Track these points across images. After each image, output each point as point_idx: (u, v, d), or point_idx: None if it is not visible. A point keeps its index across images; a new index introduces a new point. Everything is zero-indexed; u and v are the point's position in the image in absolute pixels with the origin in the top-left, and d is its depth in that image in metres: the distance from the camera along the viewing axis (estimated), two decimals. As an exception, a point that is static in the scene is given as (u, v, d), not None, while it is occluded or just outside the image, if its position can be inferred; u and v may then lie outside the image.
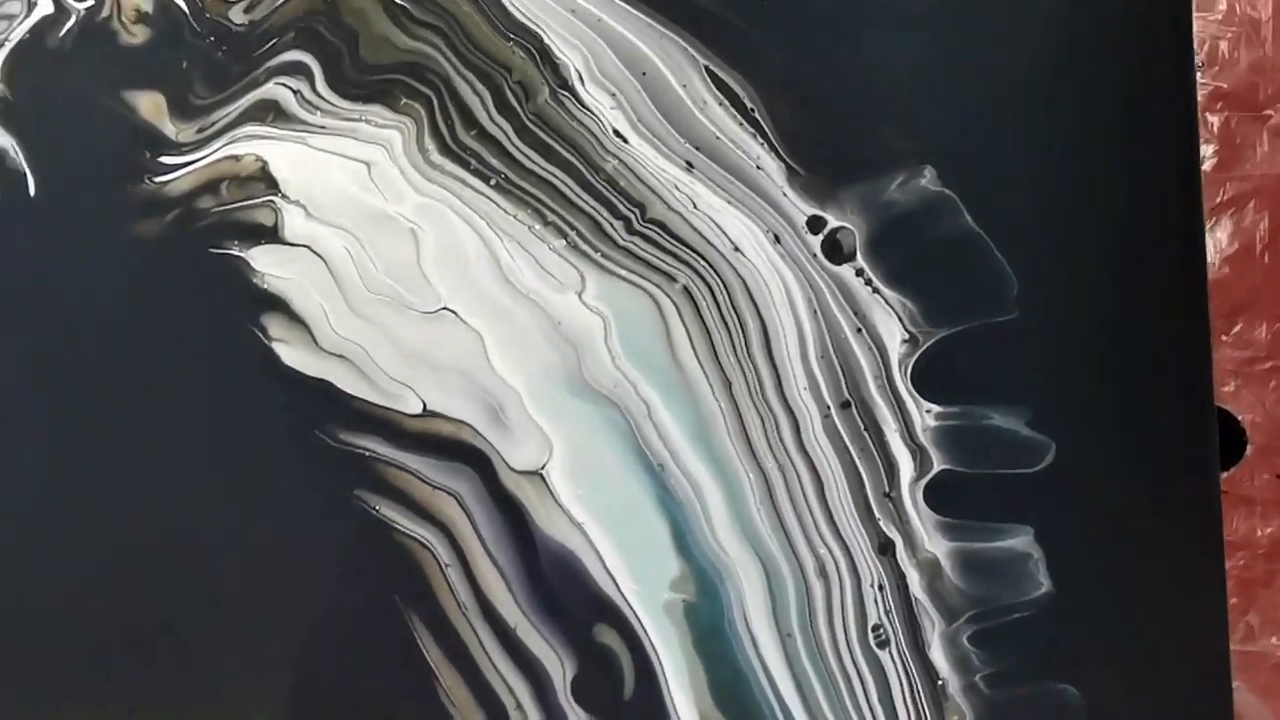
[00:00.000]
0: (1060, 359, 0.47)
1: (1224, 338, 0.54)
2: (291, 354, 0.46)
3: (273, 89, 0.48)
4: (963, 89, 0.48)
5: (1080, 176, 0.47)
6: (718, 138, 0.47)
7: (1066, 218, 0.47)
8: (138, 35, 0.49)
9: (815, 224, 0.47)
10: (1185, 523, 0.47)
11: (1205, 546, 0.47)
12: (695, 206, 0.47)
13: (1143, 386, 0.47)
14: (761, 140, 0.47)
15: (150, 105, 0.48)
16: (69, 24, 0.49)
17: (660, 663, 0.45)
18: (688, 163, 0.47)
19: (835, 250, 0.47)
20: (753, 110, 0.47)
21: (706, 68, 0.47)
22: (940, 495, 0.46)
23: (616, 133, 0.47)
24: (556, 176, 0.47)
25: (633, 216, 0.47)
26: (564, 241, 0.47)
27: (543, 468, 0.45)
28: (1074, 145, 0.47)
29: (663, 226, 0.47)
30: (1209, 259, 0.53)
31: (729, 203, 0.47)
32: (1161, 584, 0.47)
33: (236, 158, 0.48)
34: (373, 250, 0.47)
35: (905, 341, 0.46)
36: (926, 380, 0.47)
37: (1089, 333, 0.47)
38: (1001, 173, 0.48)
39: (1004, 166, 0.48)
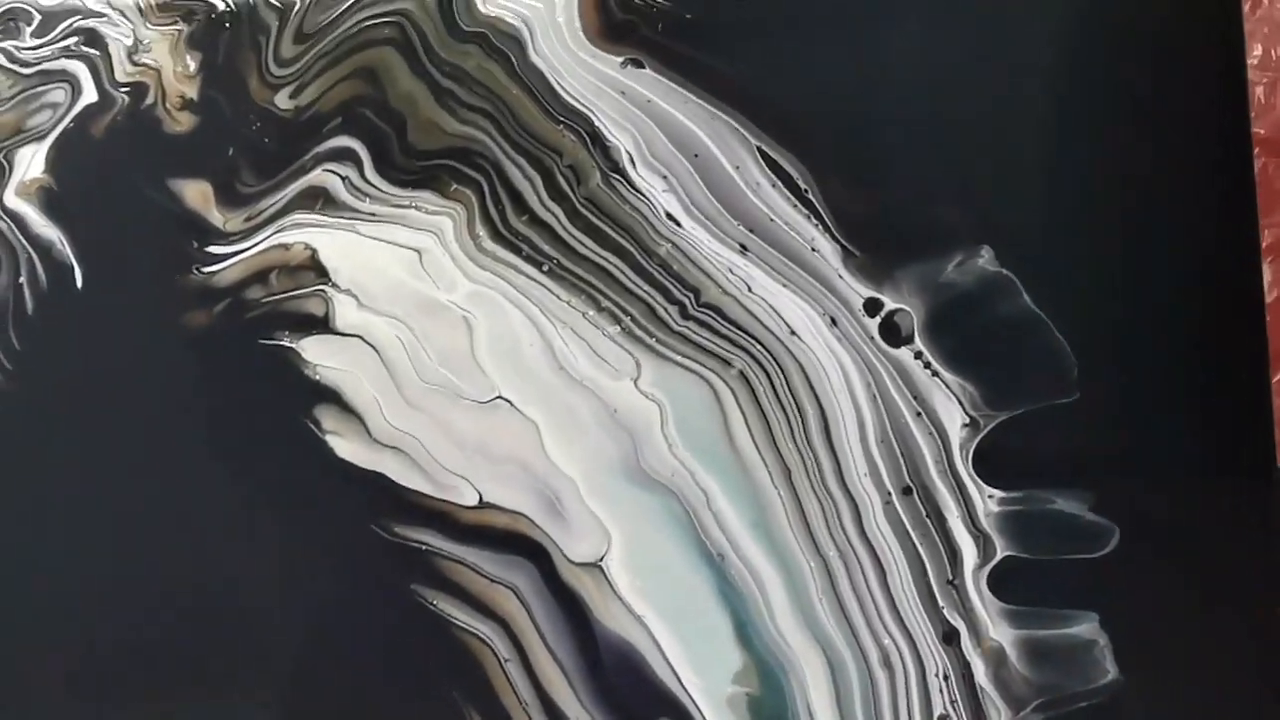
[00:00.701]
0: (1123, 441, 0.46)
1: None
2: (345, 446, 0.45)
3: (321, 176, 0.47)
4: (1019, 168, 0.47)
5: (1139, 255, 0.46)
6: (772, 220, 0.46)
7: (1127, 297, 0.46)
8: (183, 123, 0.48)
9: (872, 306, 0.46)
10: (1251, 608, 0.46)
11: (1274, 632, 0.46)
12: (750, 290, 0.46)
13: (1207, 470, 0.46)
14: (816, 222, 0.46)
15: (197, 194, 0.47)
16: (114, 112, 0.48)
17: (722, 755, 0.44)
18: (742, 245, 0.46)
19: (893, 332, 0.46)
20: (806, 191, 0.46)
21: (759, 148, 0.47)
22: (1004, 582, 0.45)
23: (669, 216, 0.46)
24: (610, 261, 0.46)
25: (687, 301, 0.46)
26: (618, 327, 0.46)
27: (601, 559, 0.44)
28: (1132, 224, 0.46)
29: (718, 311, 0.46)
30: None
31: (784, 286, 0.46)
32: (1229, 671, 0.46)
33: (286, 246, 0.47)
34: (425, 339, 0.46)
35: (966, 425, 0.45)
36: (988, 464, 0.45)
37: (1151, 414, 0.46)
38: (1060, 251, 0.46)
39: (1062, 245, 0.46)
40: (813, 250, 0.47)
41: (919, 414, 0.46)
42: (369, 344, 0.47)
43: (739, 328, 0.47)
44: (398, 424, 0.46)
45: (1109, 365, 0.47)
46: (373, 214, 0.47)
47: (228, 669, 0.46)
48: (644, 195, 0.47)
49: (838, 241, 0.47)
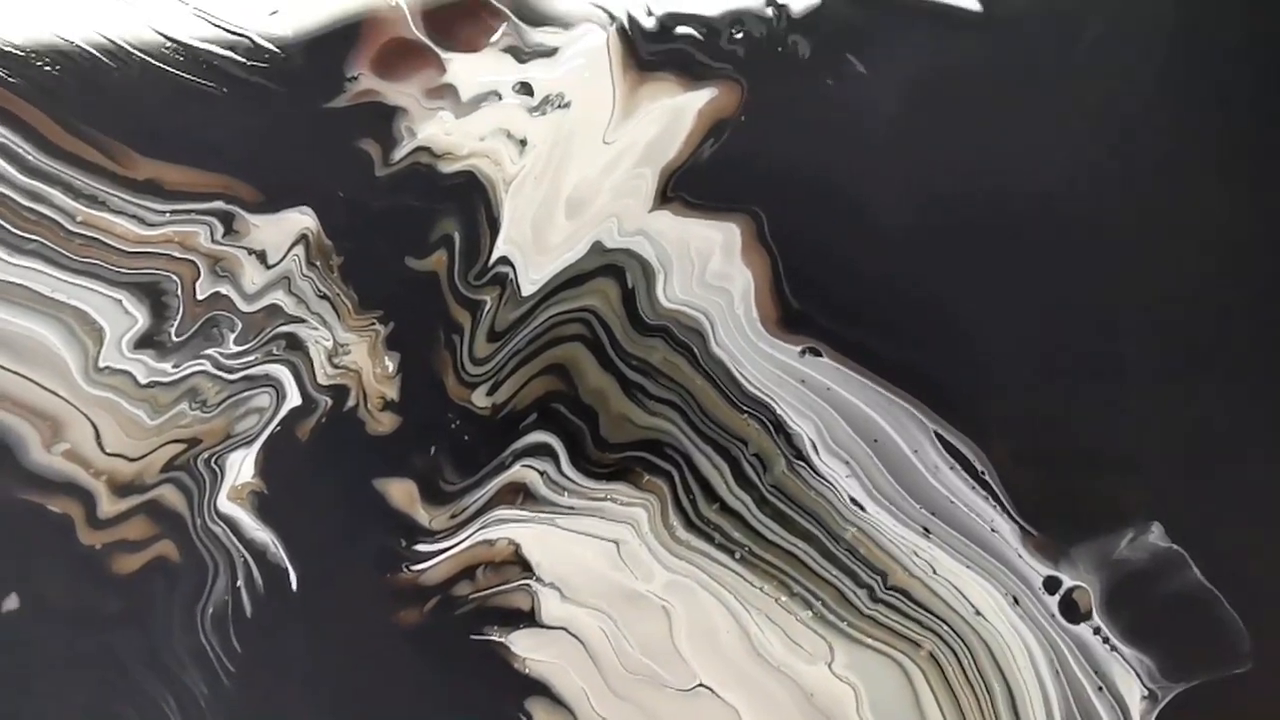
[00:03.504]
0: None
1: None
2: (556, 737, 0.49)
3: (520, 471, 0.49)
4: (1188, 437, 0.48)
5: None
6: (951, 501, 0.48)
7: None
8: (385, 423, 0.50)
9: (1051, 584, 0.48)
10: None
11: None
12: (935, 571, 0.48)
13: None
14: (994, 503, 0.48)
15: (402, 493, 0.50)
16: (318, 414, 0.50)
17: None
18: (924, 528, 0.48)
19: (1072, 609, 0.48)
20: (983, 473, 0.48)
21: (936, 432, 0.48)
22: None
23: (853, 501, 0.49)
24: (799, 547, 0.49)
25: (875, 584, 0.48)
26: (810, 612, 0.48)
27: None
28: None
29: (905, 593, 0.48)
30: None
31: (967, 566, 0.48)
32: None
33: (490, 542, 0.49)
34: (627, 629, 0.48)
35: (1145, 698, 0.47)
36: (1170, 736, 0.48)
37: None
38: (1224, 524, 0.48)
39: (1230, 520, 0.48)
40: (992, 530, 0.49)
41: (1100, 688, 0.48)
42: (574, 636, 0.49)
43: (926, 609, 0.49)
44: (605, 714, 0.48)
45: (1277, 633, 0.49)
46: (571, 507, 0.49)
47: None
48: (828, 481, 0.49)
49: (1015, 521, 0.49)
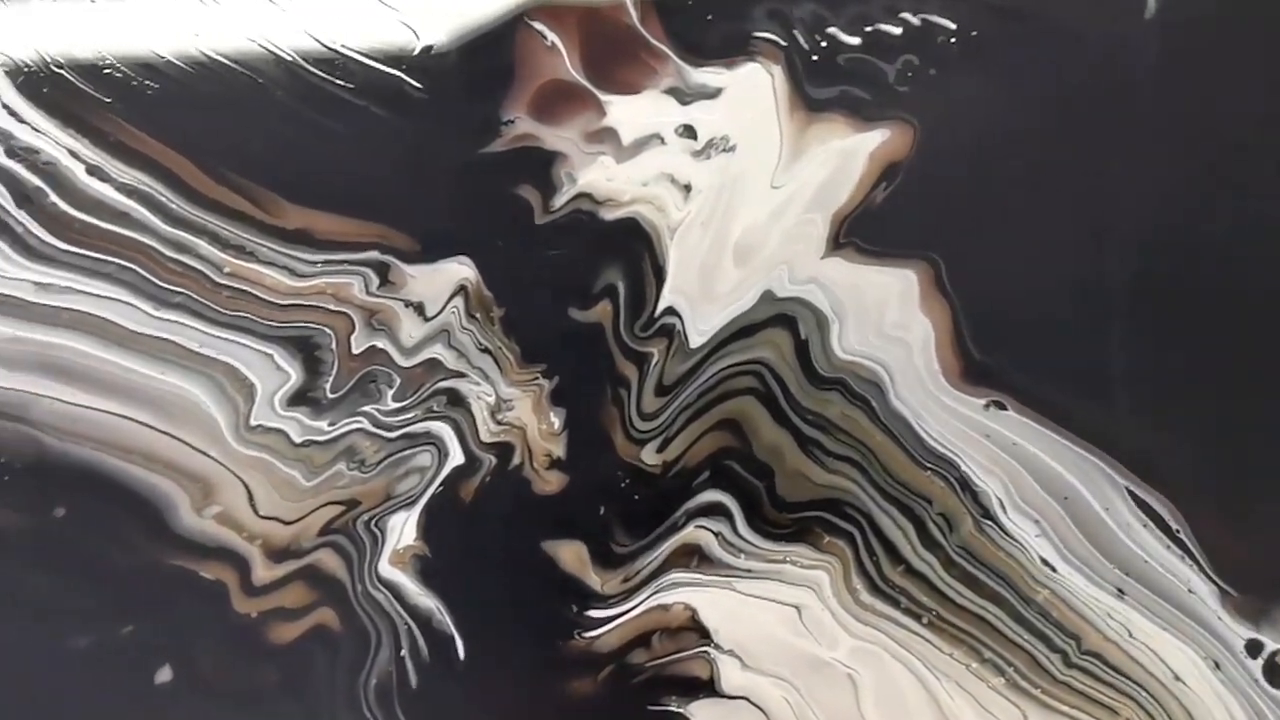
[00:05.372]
0: None
1: None
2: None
3: (694, 532, 0.47)
4: None
5: None
6: (1146, 561, 0.46)
7: None
8: (552, 483, 0.47)
9: (1254, 648, 0.46)
10: None
11: None
12: (1131, 635, 0.45)
13: None
14: (1190, 562, 0.46)
15: (572, 556, 0.47)
16: (482, 473, 0.47)
17: None
18: (1119, 589, 0.45)
19: (1276, 674, 0.45)
20: (1178, 531, 0.46)
21: (1127, 489, 0.45)
22: None
23: (1044, 561, 0.45)
24: (989, 610, 0.46)
25: (1069, 649, 0.45)
26: (1002, 679, 0.45)
27: None
28: None
29: (1100, 658, 0.46)
30: None
31: (1164, 629, 0.45)
32: None
33: (665, 607, 0.46)
34: (811, 699, 0.46)
35: None
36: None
37: None
38: None
39: None
40: (1189, 591, 0.46)
41: (1308, 756, 0.45)
42: (756, 706, 0.46)
43: (1124, 674, 0.47)
44: (791, 788, 0.45)
45: None
46: (749, 570, 0.47)
47: None
48: (1017, 541, 0.47)
49: (1213, 582, 0.46)
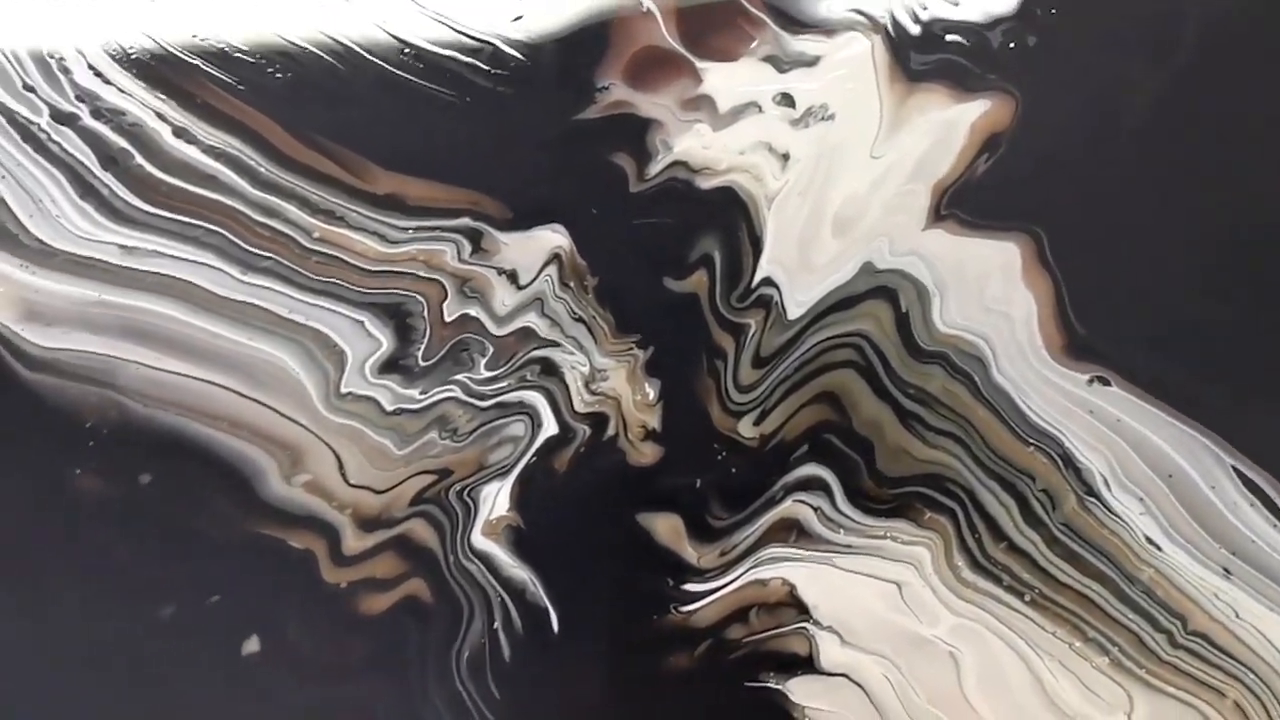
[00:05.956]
0: None
1: None
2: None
3: (792, 507, 0.46)
4: None
5: None
6: (1253, 541, 0.45)
7: None
8: (647, 454, 0.46)
9: None
10: None
11: None
12: (1238, 615, 0.45)
13: None
14: None
15: (668, 528, 0.46)
16: (576, 444, 0.46)
17: None
18: (1225, 569, 0.44)
19: None
20: None
21: (1234, 467, 0.44)
22: None
23: (1149, 540, 0.44)
24: (1092, 589, 0.45)
25: (1175, 629, 0.45)
26: (1106, 659, 0.44)
27: None
28: None
29: (1206, 638, 0.45)
30: None
31: (1271, 609, 0.44)
32: None
33: (763, 582, 0.45)
34: (912, 677, 0.44)
35: None
36: None
37: None
38: None
39: None
40: None
41: None
42: (856, 683, 0.45)
43: (1230, 655, 0.46)
44: (892, 767, 0.44)
45: None
46: (848, 546, 0.46)
47: None
48: (1121, 519, 0.45)
49: None
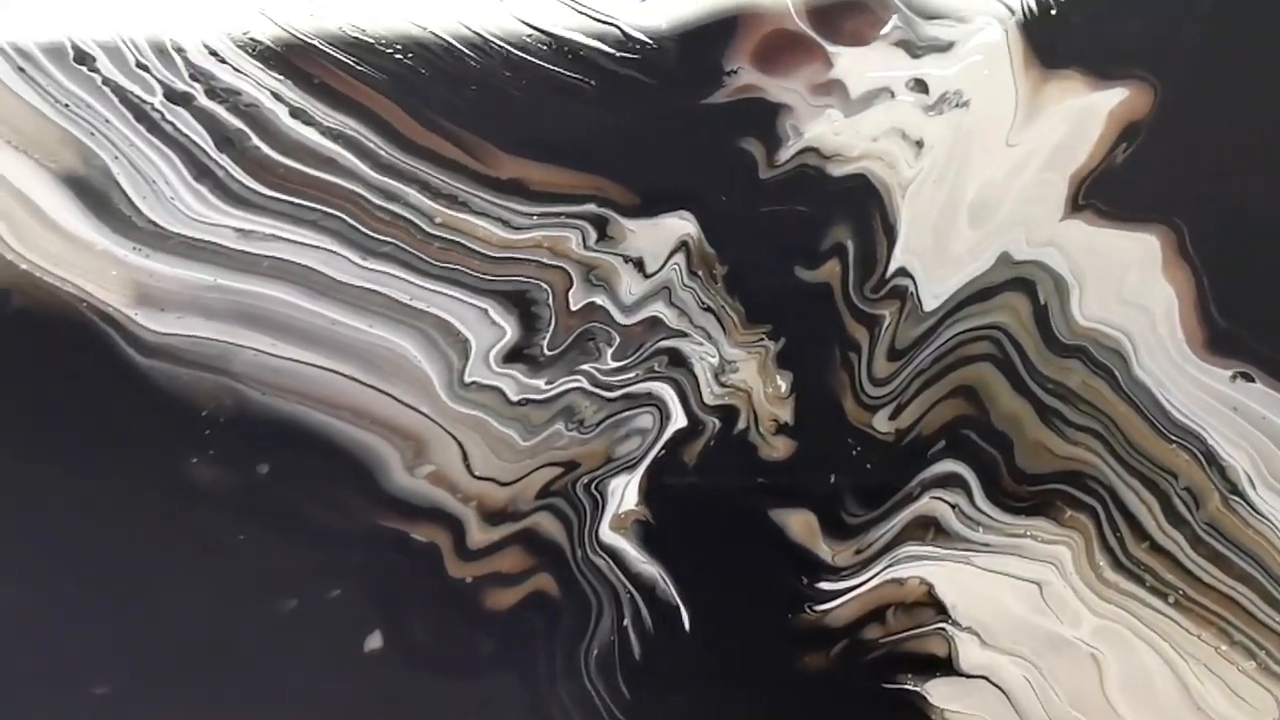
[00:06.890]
0: None
1: None
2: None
3: (929, 504, 0.44)
4: None
5: None
6: None
7: None
8: (779, 448, 0.44)
9: None
10: None
11: None
12: None
13: None
14: None
15: (802, 525, 0.44)
16: (705, 437, 0.44)
17: None
18: None
19: None
20: None
21: None
22: None
23: None
24: (1238, 590, 0.44)
25: None
26: (1254, 663, 0.42)
27: None
28: None
29: None
30: None
31: None
32: None
33: (900, 581, 0.44)
34: (1054, 679, 0.42)
35: None
36: None
37: None
38: None
39: None
40: None
41: None
42: (996, 685, 0.43)
43: None
44: (1034, 771, 0.43)
45: None
46: (987, 544, 0.44)
47: None
48: (1267, 519, 0.44)
49: None
